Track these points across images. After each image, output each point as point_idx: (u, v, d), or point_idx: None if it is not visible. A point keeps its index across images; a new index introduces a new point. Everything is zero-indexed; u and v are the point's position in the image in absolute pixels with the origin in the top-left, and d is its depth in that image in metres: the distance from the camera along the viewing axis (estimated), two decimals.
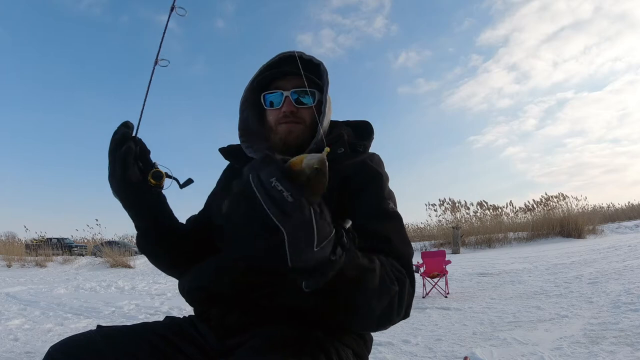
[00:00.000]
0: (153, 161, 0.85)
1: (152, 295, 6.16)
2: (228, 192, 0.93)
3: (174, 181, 0.87)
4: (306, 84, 0.83)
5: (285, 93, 0.89)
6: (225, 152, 1.00)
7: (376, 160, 0.91)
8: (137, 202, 0.84)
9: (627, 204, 19.19)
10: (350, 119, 1.03)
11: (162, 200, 0.88)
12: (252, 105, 0.96)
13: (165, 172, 0.85)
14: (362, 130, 0.99)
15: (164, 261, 0.94)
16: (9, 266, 12.89)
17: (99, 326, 0.83)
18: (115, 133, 0.81)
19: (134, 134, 0.83)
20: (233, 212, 0.51)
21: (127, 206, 0.84)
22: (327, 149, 0.52)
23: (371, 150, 0.97)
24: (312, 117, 0.90)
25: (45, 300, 5.76)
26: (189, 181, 0.88)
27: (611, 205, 19.37)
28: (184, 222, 0.98)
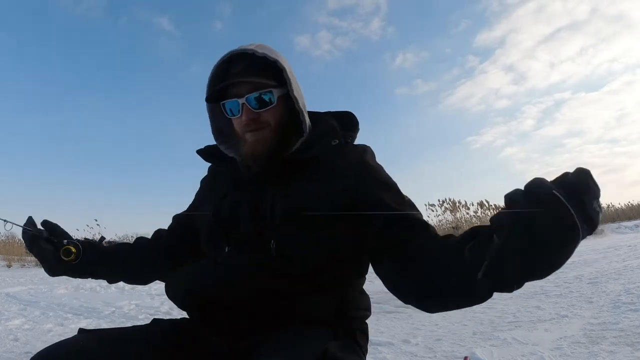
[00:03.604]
0: (64, 239, 0.89)
1: (152, 295, 6.16)
2: (216, 194, 0.94)
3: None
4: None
5: (241, 100, 0.80)
6: (205, 153, 0.96)
7: (370, 154, 0.89)
8: (71, 273, 0.91)
9: (627, 204, 19.17)
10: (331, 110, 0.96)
11: (91, 259, 0.91)
12: (218, 112, 0.88)
13: (73, 245, 0.88)
14: (347, 121, 0.92)
15: (119, 281, 1.01)
16: (9, 266, 12.88)
17: (81, 329, 0.81)
18: (24, 233, 0.87)
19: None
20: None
21: (69, 275, 0.91)
22: None
23: (360, 142, 0.93)
24: (275, 118, 0.82)
25: (45, 300, 5.76)
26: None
27: (611, 205, 19.36)
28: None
